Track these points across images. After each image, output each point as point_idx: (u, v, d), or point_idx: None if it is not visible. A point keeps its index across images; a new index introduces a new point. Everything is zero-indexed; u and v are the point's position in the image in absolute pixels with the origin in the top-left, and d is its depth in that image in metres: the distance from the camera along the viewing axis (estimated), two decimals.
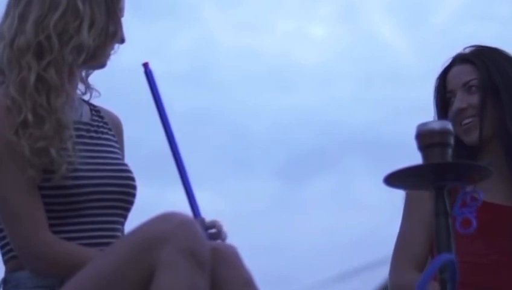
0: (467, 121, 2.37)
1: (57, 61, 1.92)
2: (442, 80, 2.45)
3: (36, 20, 1.93)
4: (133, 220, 2.02)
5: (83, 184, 1.90)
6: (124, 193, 1.98)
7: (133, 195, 2.01)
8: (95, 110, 2.09)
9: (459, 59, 2.46)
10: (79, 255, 1.84)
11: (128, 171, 2.02)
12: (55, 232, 1.88)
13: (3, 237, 1.93)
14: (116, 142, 2.08)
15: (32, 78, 1.89)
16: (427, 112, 2.47)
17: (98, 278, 1.72)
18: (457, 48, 2.54)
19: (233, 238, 1.92)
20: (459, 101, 2.38)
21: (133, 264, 1.70)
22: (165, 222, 1.72)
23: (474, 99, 2.38)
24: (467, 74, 2.42)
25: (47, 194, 1.88)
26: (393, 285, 2.36)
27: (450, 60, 2.48)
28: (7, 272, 1.93)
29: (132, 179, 2.01)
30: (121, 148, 2.11)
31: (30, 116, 1.86)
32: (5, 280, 1.93)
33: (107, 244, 1.88)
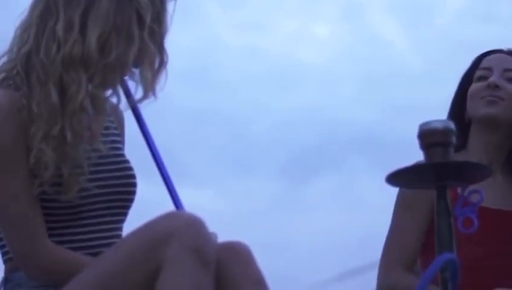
0: (494, 98, 2.31)
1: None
2: (480, 58, 2.41)
3: (98, 39, 1.86)
4: (135, 218, 2.02)
5: (85, 188, 1.88)
6: (125, 192, 1.97)
7: (134, 193, 1.99)
8: None
9: (508, 50, 2.43)
10: (79, 262, 1.82)
11: (130, 168, 2.00)
12: (55, 235, 1.86)
13: (3, 238, 1.90)
14: (118, 135, 2.06)
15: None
16: (428, 112, 2.46)
17: (103, 278, 1.71)
18: (459, 48, 2.53)
19: (233, 239, 1.91)
20: (497, 78, 2.34)
21: (139, 263, 1.69)
22: (172, 220, 1.71)
23: (510, 88, 2.34)
24: (511, 63, 2.38)
25: (46, 198, 1.85)
26: (380, 285, 2.32)
27: (496, 48, 2.44)
28: (7, 271, 1.92)
29: (133, 176, 1.99)
30: (122, 140, 2.09)
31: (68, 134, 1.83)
32: (6, 279, 1.92)
33: (109, 245, 1.87)
